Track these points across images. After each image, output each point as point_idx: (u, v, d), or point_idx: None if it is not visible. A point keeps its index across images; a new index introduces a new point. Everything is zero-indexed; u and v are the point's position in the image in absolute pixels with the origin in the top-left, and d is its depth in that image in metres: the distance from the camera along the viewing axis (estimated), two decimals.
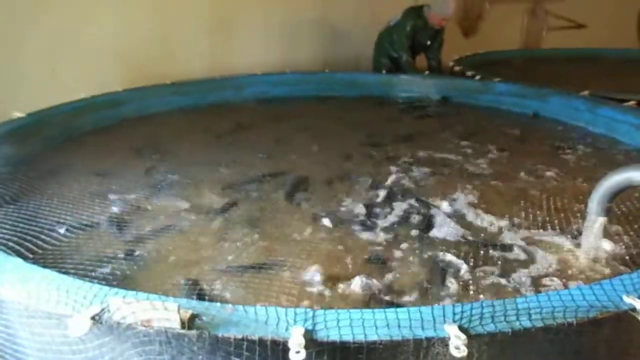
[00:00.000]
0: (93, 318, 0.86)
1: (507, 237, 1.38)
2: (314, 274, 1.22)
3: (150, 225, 1.43)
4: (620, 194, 1.20)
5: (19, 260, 1.08)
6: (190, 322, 0.85)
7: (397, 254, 1.31)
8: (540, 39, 5.65)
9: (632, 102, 2.37)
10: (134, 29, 3.31)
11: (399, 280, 1.21)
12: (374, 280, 1.19)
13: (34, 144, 2.01)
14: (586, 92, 2.64)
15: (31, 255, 1.22)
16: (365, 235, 1.41)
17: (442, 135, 2.35)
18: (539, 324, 0.84)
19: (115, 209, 1.51)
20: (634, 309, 0.87)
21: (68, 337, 0.92)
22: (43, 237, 1.29)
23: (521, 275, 1.21)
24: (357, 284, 1.17)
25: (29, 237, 1.27)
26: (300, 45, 4.24)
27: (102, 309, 0.88)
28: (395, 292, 1.17)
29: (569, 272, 1.20)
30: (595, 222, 1.22)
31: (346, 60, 4.40)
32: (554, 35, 5.59)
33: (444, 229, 1.43)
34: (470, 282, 1.18)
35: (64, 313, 0.90)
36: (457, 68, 3.62)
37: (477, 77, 3.17)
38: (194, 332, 0.84)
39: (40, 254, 1.23)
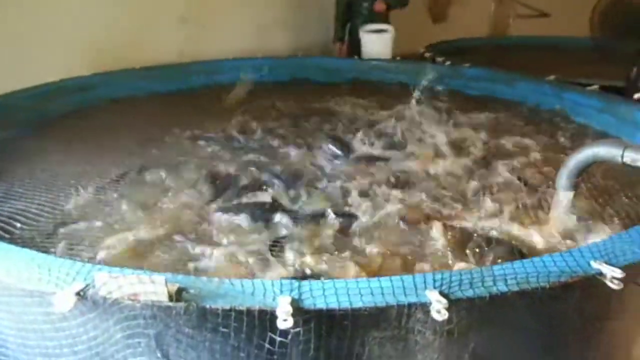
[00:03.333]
0: (78, 294, 0.86)
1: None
2: None
3: None
4: (587, 169, 1.26)
5: None
6: (177, 295, 0.86)
7: None
8: (507, 27, 5.77)
9: (595, 87, 2.47)
10: (103, 14, 3.23)
11: None
12: None
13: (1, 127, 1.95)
14: (552, 77, 2.73)
15: (7, 236, 1.20)
16: None
17: None
18: (515, 289, 0.88)
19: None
20: (600, 273, 0.93)
21: (50, 315, 0.91)
22: (18, 218, 1.27)
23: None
24: None
25: (2, 219, 1.25)
26: (274, 32, 4.21)
27: (87, 285, 0.88)
28: None
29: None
30: (564, 196, 1.27)
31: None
32: (520, 23, 5.71)
33: None
34: None
35: (46, 290, 0.89)
36: (427, 54, 3.68)
37: (447, 63, 3.24)
38: (181, 304, 0.84)
39: (17, 234, 1.21)
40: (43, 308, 0.91)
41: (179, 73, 2.97)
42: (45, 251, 1.09)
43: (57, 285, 0.89)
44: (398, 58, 3.53)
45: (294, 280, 0.89)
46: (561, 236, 1.23)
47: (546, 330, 0.97)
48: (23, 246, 1.05)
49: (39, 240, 1.20)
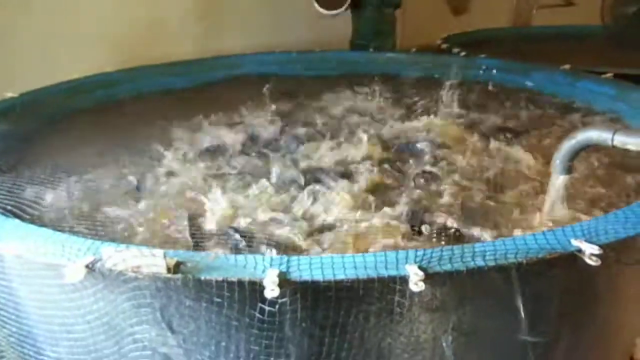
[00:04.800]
0: (87, 266, 0.95)
1: None
2: None
3: None
4: (580, 152, 1.28)
5: (17, 221, 1.16)
6: (175, 268, 0.94)
7: None
8: (530, 17, 5.68)
9: (609, 75, 2.45)
10: (125, 12, 3.35)
11: None
12: None
13: (30, 121, 2.08)
14: (567, 66, 2.72)
15: (28, 217, 1.30)
16: None
17: None
18: (492, 264, 0.92)
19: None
20: (579, 250, 0.96)
21: (65, 286, 1.00)
22: (38, 201, 1.38)
23: None
24: None
25: (25, 202, 1.36)
26: (291, 26, 4.26)
27: (95, 258, 0.96)
28: None
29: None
30: (558, 179, 1.30)
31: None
32: (543, 13, 5.62)
33: None
34: None
35: (60, 263, 0.98)
36: (444, 46, 3.68)
37: (462, 54, 3.24)
38: (179, 276, 0.92)
39: (37, 215, 1.32)
40: (58, 280, 0.99)
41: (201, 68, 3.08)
42: (61, 230, 1.18)
43: (69, 259, 0.98)
44: (414, 50, 3.54)
45: (283, 256, 0.96)
46: (552, 219, 1.26)
47: (529, 308, 1.01)
48: (41, 226, 1.15)
49: (56, 221, 1.30)
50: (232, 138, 1.96)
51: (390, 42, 3.79)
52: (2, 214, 1.25)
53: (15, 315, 1.14)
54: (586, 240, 0.98)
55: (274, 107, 2.26)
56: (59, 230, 1.12)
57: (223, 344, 0.97)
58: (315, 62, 3.29)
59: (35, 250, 1.02)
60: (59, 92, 2.37)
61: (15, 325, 1.14)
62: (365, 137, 1.87)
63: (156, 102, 2.57)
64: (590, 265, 0.96)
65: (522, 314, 0.98)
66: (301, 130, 2.04)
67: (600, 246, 0.96)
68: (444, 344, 0.96)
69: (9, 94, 2.17)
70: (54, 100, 2.29)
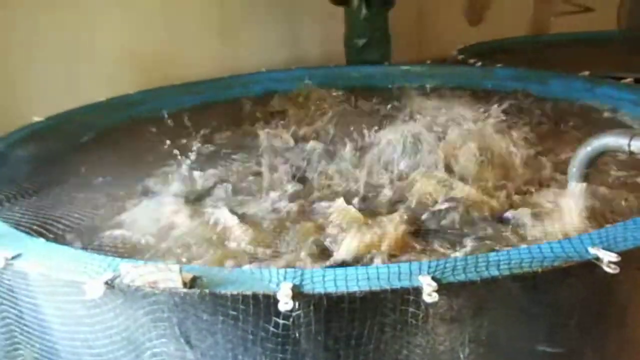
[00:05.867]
0: (106, 282, 0.97)
1: None
2: None
3: None
4: (597, 159, 1.27)
5: (41, 240, 1.20)
6: (192, 283, 0.95)
7: None
8: (548, 25, 5.63)
9: (629, 80, 2.41)
10: (143, 33, 3.44)
11: None
12: None
13: (54, 144, 2.15)
14: (586, 73, 2.69)
15: (51, 236, 1.34)
16: None
17: None
18: (507, 273, 0.92)
19: None
20: (597, 258, 0.94)
21: (86, 303, 1.03)
22: (62, 221, 1.42)
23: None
24: None
25: (49, 222, 1.40)
26: (308, 41, 4.30)
27: (114, 275, 0.99)
28: None
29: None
30: (575, 187, 1.28)
31: None
32: (561, 20, 5.56)
33: None
34: None
35: (81, 280, 1.01)
36: (460, 57, 3.67)
37: (478, 64, 3.23)
38: (195, 290, 0.94)
39: (60, 234, 1.36)
40: (79, 296, 1.02)
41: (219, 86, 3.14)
42: (83, 248, 1.22)
43: (90, 276, 1.01)
44: (429, 62, 3.55)
45: (297, 269, 0.97)
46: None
47: (546, 317, 0.99)
48: (64, 244, 1.19)
49: (79, 240, 1.34)
50: None
51: (383, 43, 3.70)
52: (28, 233, 1.29)
53: (40, 332, 1.17)
54: (604, 248, 0.96)
55: None
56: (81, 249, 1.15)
57: (240, 357, 0.97)
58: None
59: (57, 267, 1.05)
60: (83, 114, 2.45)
61: (39, 342, 1.17)
62: None
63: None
64: (608, 273, 0.94)
65: (540, 323, 0.96)
66: None
67: (619, 254, 0.94)
68: (460, 356, 0.95)
69: (36, 118, 2.25)
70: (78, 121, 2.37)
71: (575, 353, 1.02)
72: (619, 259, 0.93)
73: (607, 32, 4.43)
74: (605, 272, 0.94)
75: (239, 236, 1.36)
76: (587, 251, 0.96)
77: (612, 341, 1.07)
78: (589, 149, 1.26)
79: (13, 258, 1.10)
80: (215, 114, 2.70)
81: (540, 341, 0.97)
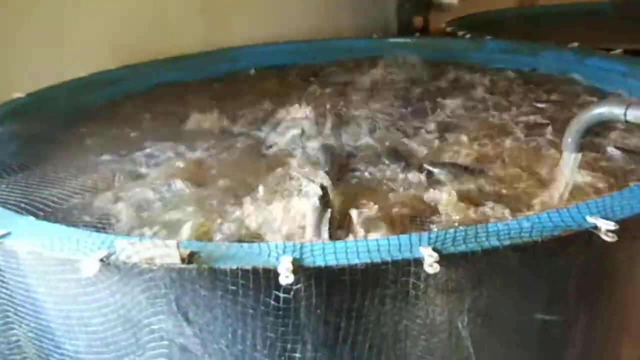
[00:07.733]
0: (101, 260, 0.95)
1: None
2: None
3: None
4: (592, 129, 1.27)
5: (31, 218, 1.17)
6: (189, 258, 0.94)
7: None
8: None
9: (618, 51, 2.41)
10: (128, 11, 3.34)
11: None
12: None
13: (38, 120, 2.09)
14: (575, 44, 2.68)
15: (42, 214, 1.31)
16: None
17: None
18: (507, 243, 0.91)
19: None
20: (595, 227, 0.95)
21: (81, 281, 1.01)
22: (51, 198, 1.39)
23: None
24: None
25: (38, 199, 1.37)
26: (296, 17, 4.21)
27: (109, 252, 0.96)
28: None
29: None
30: (570, 157, 1.28)
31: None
32: None
33: None
34: None
35: (75, 258, 0.98)
36: (449, 29, 3.64)
37: (468, 37, 3.21)
38: (193, 266, 0.92)
39: (50, 211, 1.33)
40: (74, 275, 1.00)
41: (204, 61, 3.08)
42: (75, 225, 1.19)
43: (84, 253, 0.98)
44: (418, 35, 3.50)
45: (296, 243, 0.95)
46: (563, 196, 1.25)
47: (545, 287, 1.00)
48: (55, 222, 1.16)
49: (70, 217, 1.31)
50: None
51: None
52: (16, 211, 1.26)
53: (33, 311, 1.15)
54: (602, 217, 0.97)
55: None
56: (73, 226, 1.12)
57: (239, 332, 0.97)
58: None
59: (50, 246, 1.03)
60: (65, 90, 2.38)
61: (34, 321, 1.15)
62: None
63: None
64: (606, 242, 0.95)
65: (538, 293, 0.97)
66: None
67: (617, 222, 0.95)
68: (460, 325, 0.96)
69: (17, 94, 2.18)
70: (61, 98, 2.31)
71: (574, 321, 1.03)
72: (617, 227, 0.93)
73: (598, 4, 4.41)
74: (604, 241, 0.94)
75: None
76: (585, 220, 0.97)
77: (610, 309, 1.08)
78: (583, 118, 1.25)
79: (2, 237, 1.07)
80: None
81: (539, 310, 0.98)
